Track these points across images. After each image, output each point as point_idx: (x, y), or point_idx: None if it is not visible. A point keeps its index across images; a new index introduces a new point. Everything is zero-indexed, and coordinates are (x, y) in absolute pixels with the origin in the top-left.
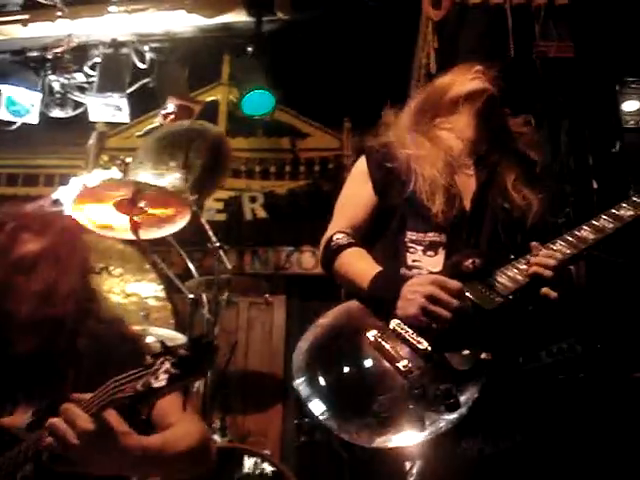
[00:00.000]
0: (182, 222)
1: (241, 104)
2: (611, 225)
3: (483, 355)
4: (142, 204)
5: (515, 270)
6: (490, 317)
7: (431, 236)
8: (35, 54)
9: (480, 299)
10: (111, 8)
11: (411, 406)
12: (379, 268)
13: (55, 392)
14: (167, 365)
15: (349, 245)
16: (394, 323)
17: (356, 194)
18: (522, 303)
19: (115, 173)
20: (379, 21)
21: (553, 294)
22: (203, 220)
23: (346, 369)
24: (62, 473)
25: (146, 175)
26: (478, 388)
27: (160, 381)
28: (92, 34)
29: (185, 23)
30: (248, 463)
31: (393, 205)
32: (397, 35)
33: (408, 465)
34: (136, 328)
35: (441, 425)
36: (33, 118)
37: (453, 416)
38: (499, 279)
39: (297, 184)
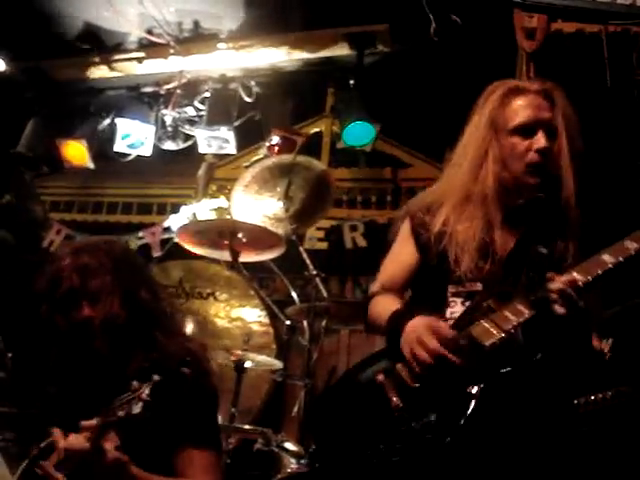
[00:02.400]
0: (278, 251)
1: (343, 135)
2: (635, 245)
3: (469, 389)
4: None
5: (523, 303)
6: (490, 352)
7: (468, 287)
8: (149, 89)
9: (481, 335)
10: (220, 45)
11: (398, 444)
12: (398, 307)
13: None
14: (146, 391)
15: (378, 293)
16: (399, 365)
17: (398, 254)
18: (534, 334)
19: (223, 202)
20: (479, 51)
21: (561, 312)
22: (301, 249)
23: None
24: None
25: (249, 197)
26: (462, 421)
27: (137, 408)
28: (202, 70)
29: (289, 57)
30: None
31: (434, 264)
32: (497, 65)
33: None
34: (237, 352)
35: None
36: (147, 150)
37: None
38: (505, 313)
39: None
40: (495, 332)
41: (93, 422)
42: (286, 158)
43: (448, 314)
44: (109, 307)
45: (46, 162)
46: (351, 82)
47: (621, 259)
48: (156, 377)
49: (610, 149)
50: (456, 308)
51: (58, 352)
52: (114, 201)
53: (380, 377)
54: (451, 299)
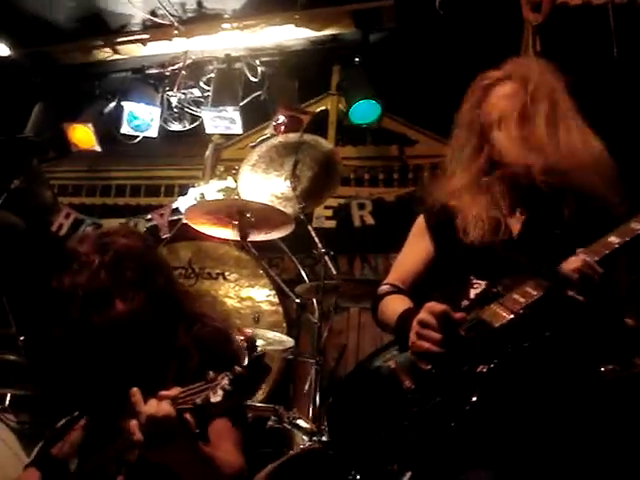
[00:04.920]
0: (287, 231)
1: (349, 113)
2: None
3: (479, 368)
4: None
5: (532, 286)
6: (499, 333)
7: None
8: (154, 71)
9: (490, 317)
10: (224, 25)
11: (406, 422)
12: (407, 307)
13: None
14: (226, 381)
15: (389, 293)
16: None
17: (411, 250)
18: (543, 316)
19: (230, 183)
20: (485, 26)
21: (579, 298)
22: (310, 228)
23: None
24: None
25: (256, 177)
26: (473, 400)
27: (217, 396)
28: (207, 50)
29: (295, 36)
30: None
31: (454, 250)
32: (504, 39)
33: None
34: (247, 331)
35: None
36: (153, 132)
37: (450, 431)
38: (515, 296)
39: (405, 191)
40: (505, 314)
41: (172, 393)
42: (292, 137)
43: (472, 295)
44: (138, 300)
45: (53, 146)
46: (356, 60)
47: (627, 239)
48: (238, 369)
49: (617, 121)
50: (479, 290)
51: (91, 349)
52: (122, 184)
53: (392, 363)
54: (475, 281)
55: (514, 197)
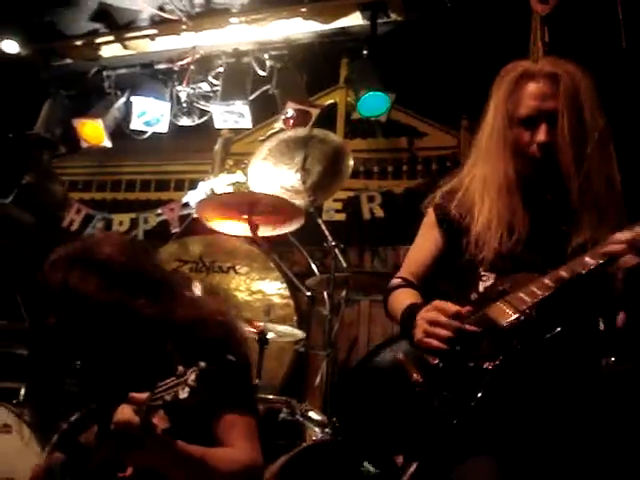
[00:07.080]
0: (297, 224)
1: (358, 106)
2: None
3: (485, 365)
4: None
5: (538, 285)
6: (505, 331)
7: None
8: (163, 66)
9: (496, 314)
10: (232, 19)
11: (413, 414)
12: (413, 301)
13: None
14: (193, 377)
15: (399, 287)
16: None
17: (421, 245)
18: (547, 315)
19: (240, 177)
20: (494, 16)
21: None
22: (319, 220)
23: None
24: None
25: (266, 171)
26: (478, 396)
27: (184, 393)
28: (215, 45)
29: (302, 29)
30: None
31: (462, 248)
32: (511, 31)
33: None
34: (258, 324)
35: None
36: (163, 127)
37: (454, 425)
38: (521, 294)
39: (414, 183)
40: (510, 312)
41: (142, 396)
42: (302, 131)
43: (481, 288)
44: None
45: (63, 142)
46: (365, 52)
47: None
48: (202, 364)
49: (627, 111)
50: (488, 283)
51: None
52: (132, 179)
53: (401, 355)
54: (483, 274)
55: (527, 194)
